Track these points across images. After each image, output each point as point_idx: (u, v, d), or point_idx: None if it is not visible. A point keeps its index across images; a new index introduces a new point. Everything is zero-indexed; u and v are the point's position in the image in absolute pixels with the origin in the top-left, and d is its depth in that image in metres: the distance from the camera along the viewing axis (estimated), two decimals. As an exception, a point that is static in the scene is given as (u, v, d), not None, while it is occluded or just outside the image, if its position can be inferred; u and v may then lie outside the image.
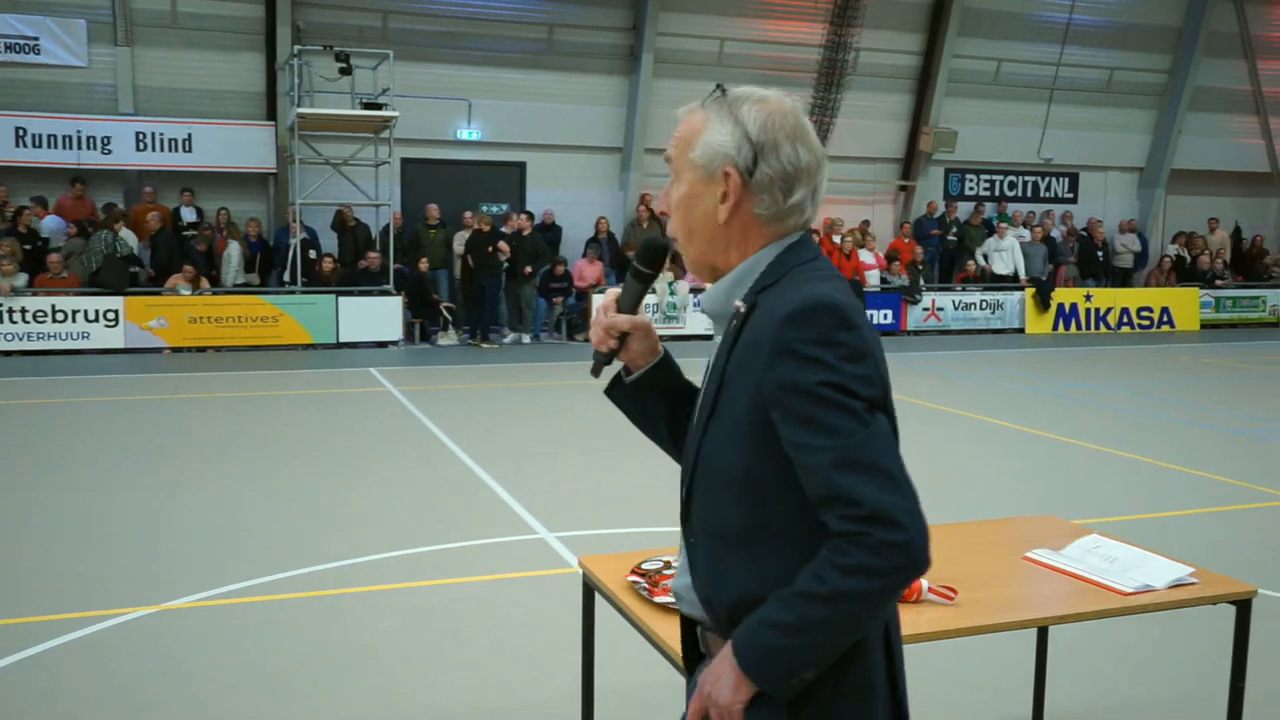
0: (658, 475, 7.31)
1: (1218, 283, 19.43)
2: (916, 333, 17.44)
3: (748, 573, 1.58)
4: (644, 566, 2.53)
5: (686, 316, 16.20)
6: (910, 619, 2.37)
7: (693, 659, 1.76)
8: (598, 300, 1.99)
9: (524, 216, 15.81)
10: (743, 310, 1.59)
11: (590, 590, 2.71)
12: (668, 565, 2.50)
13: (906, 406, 10.30)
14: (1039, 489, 7.11)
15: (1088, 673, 4.08)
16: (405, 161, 16.68)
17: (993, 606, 2.43)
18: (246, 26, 15.91)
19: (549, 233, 16.87)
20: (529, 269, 15.44)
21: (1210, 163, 21.62)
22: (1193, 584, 2.64)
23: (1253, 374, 13.33)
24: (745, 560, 1.58)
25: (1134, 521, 6.26)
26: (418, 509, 6.38)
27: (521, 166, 17.67)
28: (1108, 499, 6.82)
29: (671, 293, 16.06)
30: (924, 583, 2.43)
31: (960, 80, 19.42)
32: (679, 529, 1.73)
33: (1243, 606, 2.66)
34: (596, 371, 1.86)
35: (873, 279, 17.60)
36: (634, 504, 6.54)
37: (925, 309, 17.57)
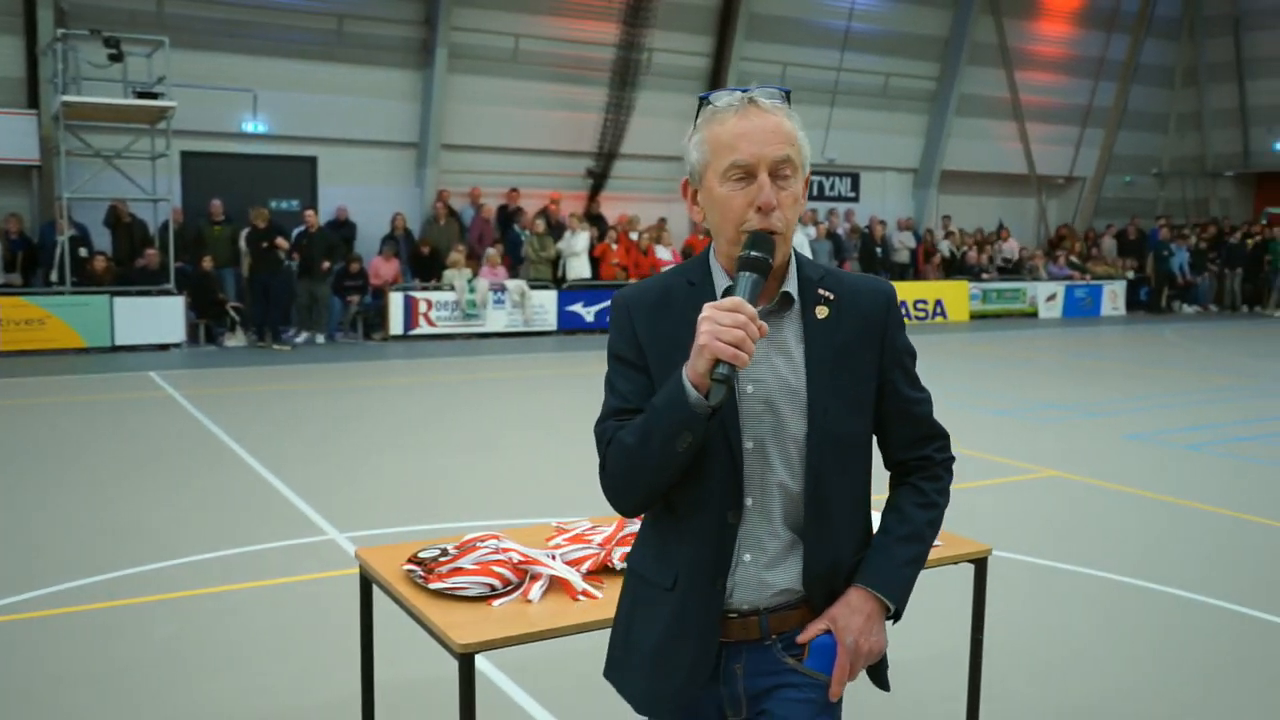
0: (453, 473, 7.30)
1: (983, 276, 20.90)
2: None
3: (866, 526, 1.88)
4: (420, 555, 2.53)
5: (487, 314, 16.12)
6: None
7: (705, 669, 1.80)
8: (715, 306, 1.53)
9: (310, 212, 15.31)
10: (831, 298, 1.80)
11: (368, 583, 2.69)
12: (444, 553, 2.51)
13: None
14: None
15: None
16: (186, 155, 15.87)
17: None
18: (3, 7, 14.74)
19: (343, 229, 16.42)
20: (326, 264, 15.00)
21: (976, 164, 23.23)
22: (937, 546, 2.86)
23: (1014, 360, 14.42)
24: (865, 515, 1.87)
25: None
26: (200, 516, 6.10)
27: (312, 161, 17.12)
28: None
29: (471, 290, 15.93)
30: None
31: (749, 82, 19.87)
32: (718, 521, 1.77)
33: (979, 565, 2.90)
34: (721, 396, 1.61)
35: (670, 275, 17.97)
36: (429, 502, 6.48)
37: (721, 303, 18.09)
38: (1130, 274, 22.34)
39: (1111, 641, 4.41)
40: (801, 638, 1.78)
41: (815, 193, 21.61)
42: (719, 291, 1.76)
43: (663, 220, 18.98)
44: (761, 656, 1.79)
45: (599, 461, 1.78)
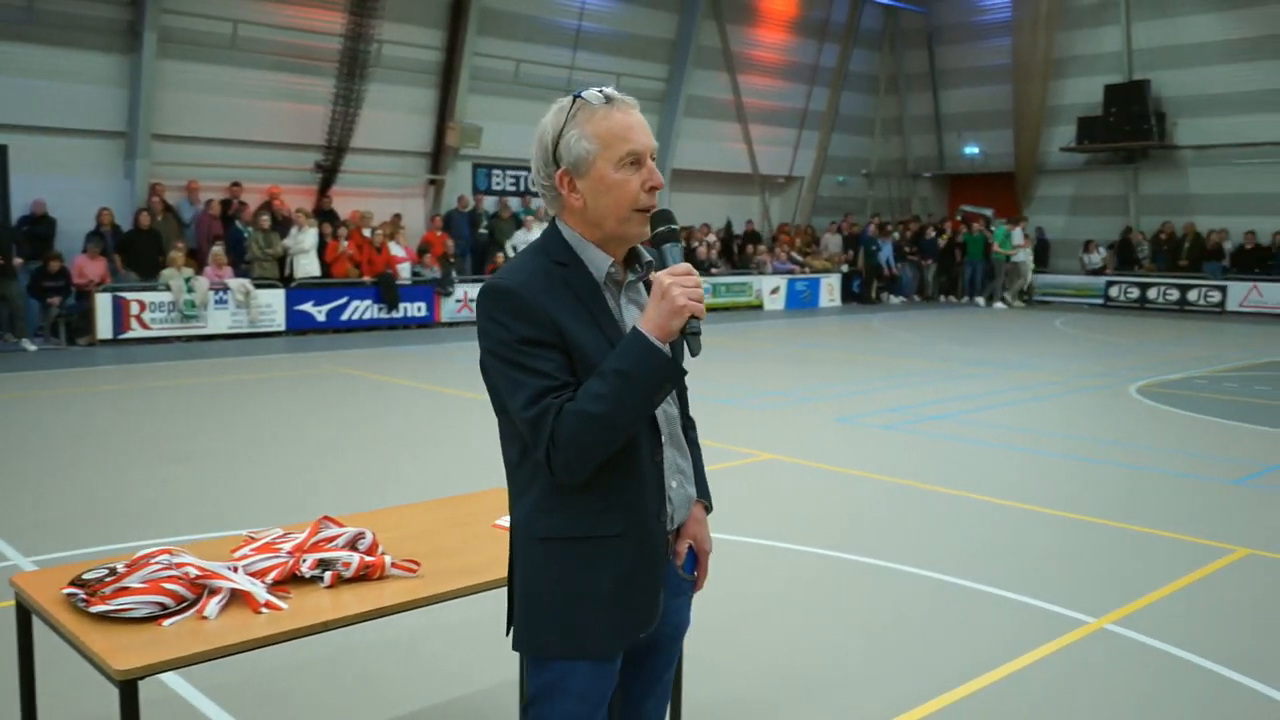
0: (159, 485, 6.85)
1: (712, 270, 21.80)
2: (451, 324, 17.76)
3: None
4: (84, 576, 2.37)
5: (208, 315, 15.23)
6: (375, 594, 2.46)
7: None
8: (672, 274, 1.84)
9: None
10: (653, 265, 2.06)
11: (26, 613, 2.49)
12: (112, 572, 2.36)
13: (442, 398, 10.49)
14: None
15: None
16: None
17: (453, 574, 2.58)
18: None
19: (40, 225, 15.03)
20: (19, 260, 13.69)
21: (704, 164, 24.18)
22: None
23: (737, 350, 15.14)
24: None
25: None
26: None
27: (2, 150, 15.55)
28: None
29: (190, 290, 15.00)
30: (387, 559, 2.52)
31: (483, 78, 20.01)
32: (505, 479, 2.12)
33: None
34: (698, 345, 1.91)
35: (404, 272, 17.66)
36: (131, 518, 6.07)
37: (458, 300, 17.95)
38: (845, 267, 23.95)
39: (805, 608, 4.74)
40: (680, 552, 2.18)
41: (552, 189, 21.76)
42: (593, 267, 1.99)
43: (397, 216, 18.58)
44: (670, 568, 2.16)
45: (544, 439, 1.87)
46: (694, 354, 1.92)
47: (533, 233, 19.36)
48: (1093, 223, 24.72)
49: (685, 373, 1.97)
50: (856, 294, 23.82)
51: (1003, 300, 23.30)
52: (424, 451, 7.97)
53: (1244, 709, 3.82)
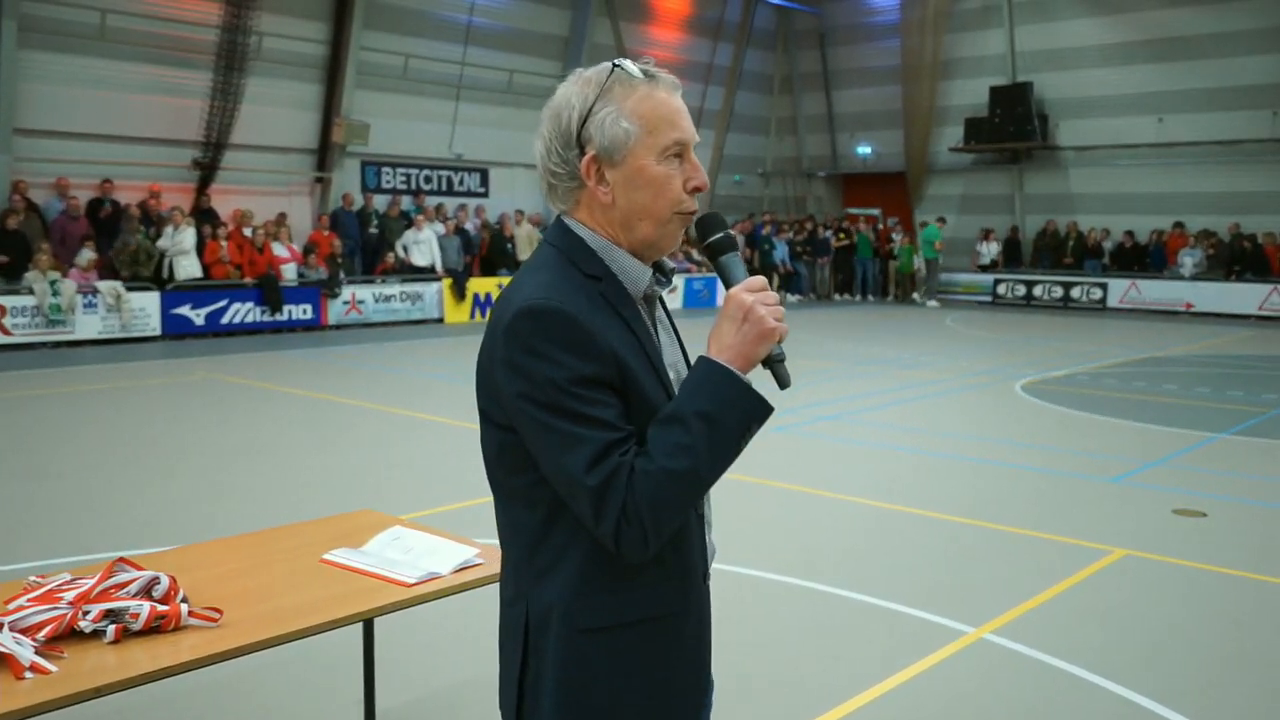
0: (2, 505, 6.36)
1: (611, 270, 21.62)
2: (338, 326, 17.23)
3: None
4: None
5: (76, 320, 14.45)
6: (168, 649, 2.18)
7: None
8: (750, 289, 1.48)
9: None
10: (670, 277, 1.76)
11: None
12: None
13: (325, 405, 10.06)
14: (420, 477, 7.28)
15: (423, 658, 4.20)
16: None
17: (260, 622, 2.31)
18: None
19: (-114, 225, 14.07)
20: None
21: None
22: (479, 564, 2.75)
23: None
24: None
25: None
26: None
27: None
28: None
29: (55, 293, 14.21)
30: (184, 608, 2.25)
31: (370, 73, 19.48)
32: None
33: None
34: (787, 374, 1.63)
35: (289, 273, 17.06)
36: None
37: (346, 302, 17.42)
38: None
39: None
40: None
41: (444, 188, 21.37)
42: (627, 280, 1.64)
43: (282, 215, 17.94)
44: None
45: (615, 510, 1.49)
46: (783, 386, 1.61)
47: (423, 232, 18.92)
48: (980, 221, 25.26)
49: (773, 410, 1.58)
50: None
51: (928, 297, 23.90)
52: (297, 464, 7.59)
53: None
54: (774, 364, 1.60)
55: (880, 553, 5.71)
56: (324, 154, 19.28)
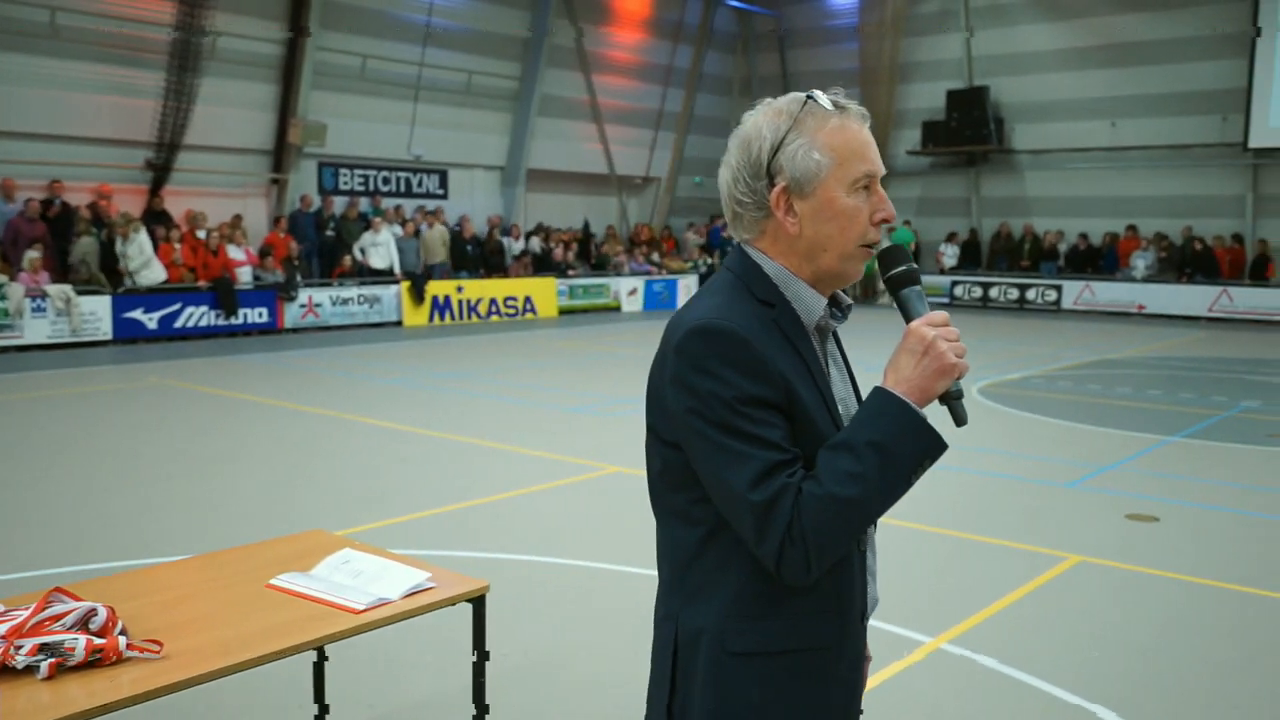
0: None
1: (570, 272, 21.56)
2: (295, 330, 17.03)
3: None
4: None
5: (25, 325, 14.16)
6: (105, 685, 2.11)
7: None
8: (932, 324, 1.53)
9: None
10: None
11: None
12: None
13: (282, 412, 9.91)
14: (380, 488, 7.20)
15: (376, 682, 4.14)
16: None
17: (203, 653, 2.25)
18: None
19: None
20: None
21: (560, 164, 23.91)
22: (430, 588, 2.71)
23: (595, 353, 14.95)
24: None
25: (487, 504, 6.59)
26: None
27: None
28: (441, 489, 7.11)
29: (3, 297, 13.92)
30: (122, 640, 2.18)
31: (327, 74, 19.28)
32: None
33: (478, 604, 2.78)
34: (964, 412, 1.62)
35: (244, 276, 16.84)
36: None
37: (302, 305, 17.22)
38: (703, 267, 24.04)
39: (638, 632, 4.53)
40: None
41: (403, 190, 21.20)
42: (802, 310, 1.66)
43: (237, 217, 17.71)
44: None
45: (780, 529, 1.50)
46: (960, 423, 1.59)
47: (380, 235, 18.76)
48: (938, 223, 25.48)
49: (947, 447, 1.57)
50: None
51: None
52: (250, 475, 7.47)
53: (1073, 730, 3.79)
54: (951, 400, 1.59)
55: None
56: (280, 155, 19.05)
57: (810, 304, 1.67)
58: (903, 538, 6.12)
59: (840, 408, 1.67)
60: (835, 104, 1.67)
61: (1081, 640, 4.61)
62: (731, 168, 1.69)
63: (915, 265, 1.69)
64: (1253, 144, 21.19)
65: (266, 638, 2.35)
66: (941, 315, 1.60)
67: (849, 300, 1.77)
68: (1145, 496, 7.09)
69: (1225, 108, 21.61)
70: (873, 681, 4.11)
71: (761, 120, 1.67)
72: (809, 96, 1.67)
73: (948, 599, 5.11)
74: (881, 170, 1.68)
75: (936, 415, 1.58)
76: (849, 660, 1.69)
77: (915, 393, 1.56)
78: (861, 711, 1.82)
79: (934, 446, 1.55)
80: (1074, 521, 6.54)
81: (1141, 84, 22.52)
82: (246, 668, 2.25)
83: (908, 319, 1.63)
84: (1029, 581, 5.37)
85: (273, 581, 2.68)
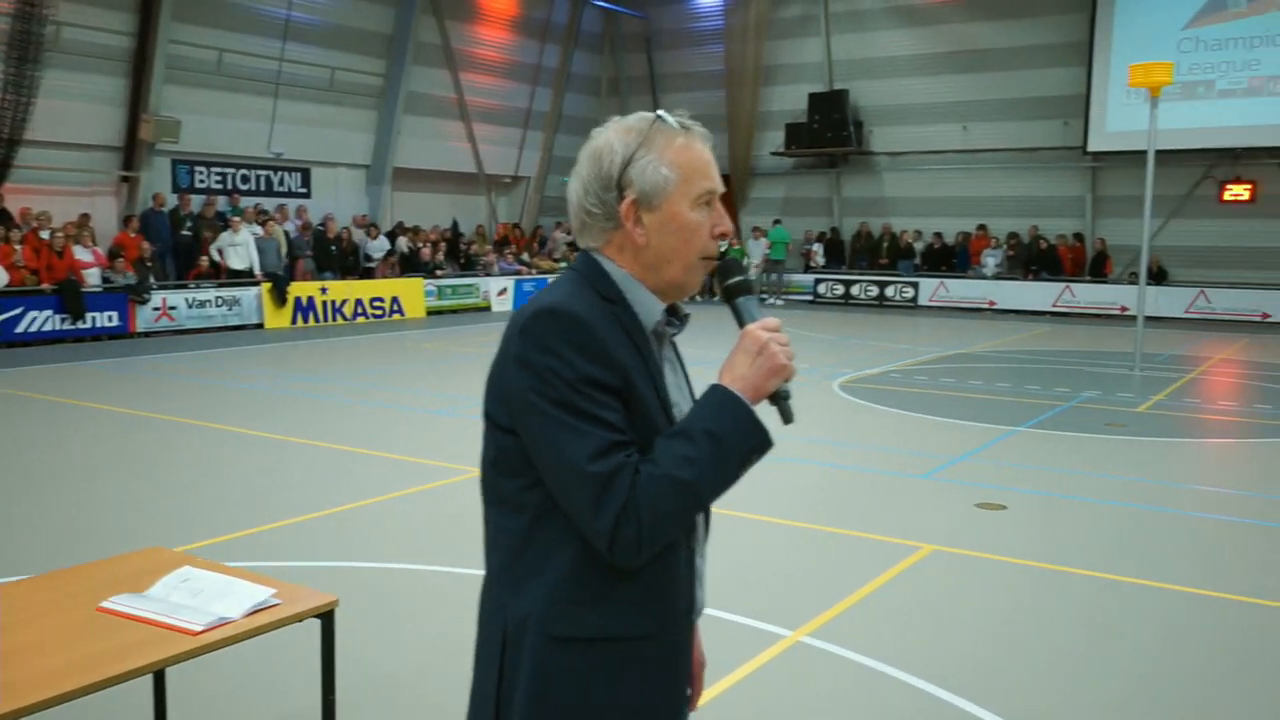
0: None
1: (438, 273, 21.28)
2: (148, 334, 16.34)
3: None
4: None
5: None
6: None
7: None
8: (766, 328, 1.60)
9: None
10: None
11: None
12: None
13: (131, 421, 9.49)
14: (232, 498, 6.98)
15: (220, 702, 4.02)
16: None
17: (24, 686, 2.13)
18: None
19: None
20: None
21: (428, 162, 23.57)
22: (275, 605, 2.64)
23: (462, 354, 14.78)
24: None
25: (343, 512, 6.44)
26: None
27: None
28: (295, 497, 6.93)
29: None
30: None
31: (181, 67, 18.56)
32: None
33: (327, 619, 2.72)
34: (791, 412, 1.69)
35: (93, 278, 16.07)
36: None
37: (156, 309, 16.54)
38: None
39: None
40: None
41: (264, 188, 20.57)
42: (642, 311, 1.71)
43: (85, 216, 16.90)
44: None
45: (616, 504, 1.54)
46: (787, 422, 1.68)
47: (240, 234, 18.15)
48: (802, 223, 26.08)
49: (773, 445, 1.65)
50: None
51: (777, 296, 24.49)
52: (95, 490, 7.13)
53: None
54: (780, 400, 1.68)
55: (702, 559, 5.79)
56: (131, 152, 18.25)
57: (650, 307, 1.73)
58: (761, 531, 6.24)
59: (675, 410, 1.73)
60: (681, 124, 1.74)
61: (937, 628, 4.79)
62: (582, 179, 1.75)
63: (750, 276, 1.81)
64: (1091, 147, 22.38)
65: (96, 665, 2.24)
66: (774, 321, 1.69)
67: (686, 311, 1.84)
68: (994, 486, 7.40)
69: (1067, 113, 22.75)
70: (734, 677, 4.19)
71: (613, 136, 1.74)
72: (657, 116, 1.74)
73: (806, 592, 5.24)
74: (721, 188, 1.78)
75: (766, 415, 1.63)
76: (672, 651, 1.74)
77: (749, 390, 1.64)
78: (694, 708, 1.90)
79: (763, 442, 1.64)
80: (928, 511, 6.79)
81: (991, 90, 23.52)
82: (74, 697, 2.14)
83: (742, 324, 1.72)
84: (885, 572, 5.55)
85: (104, 604, 2.56)
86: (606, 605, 1.66)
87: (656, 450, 1.59)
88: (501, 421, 1.68)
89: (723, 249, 1.77)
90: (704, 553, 1.86)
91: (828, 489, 7.42)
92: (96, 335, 15.75)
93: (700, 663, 2.00)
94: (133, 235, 17.06)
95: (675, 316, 1.81)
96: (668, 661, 1.73)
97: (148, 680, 2.99)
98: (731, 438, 1.60)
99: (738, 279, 1.76)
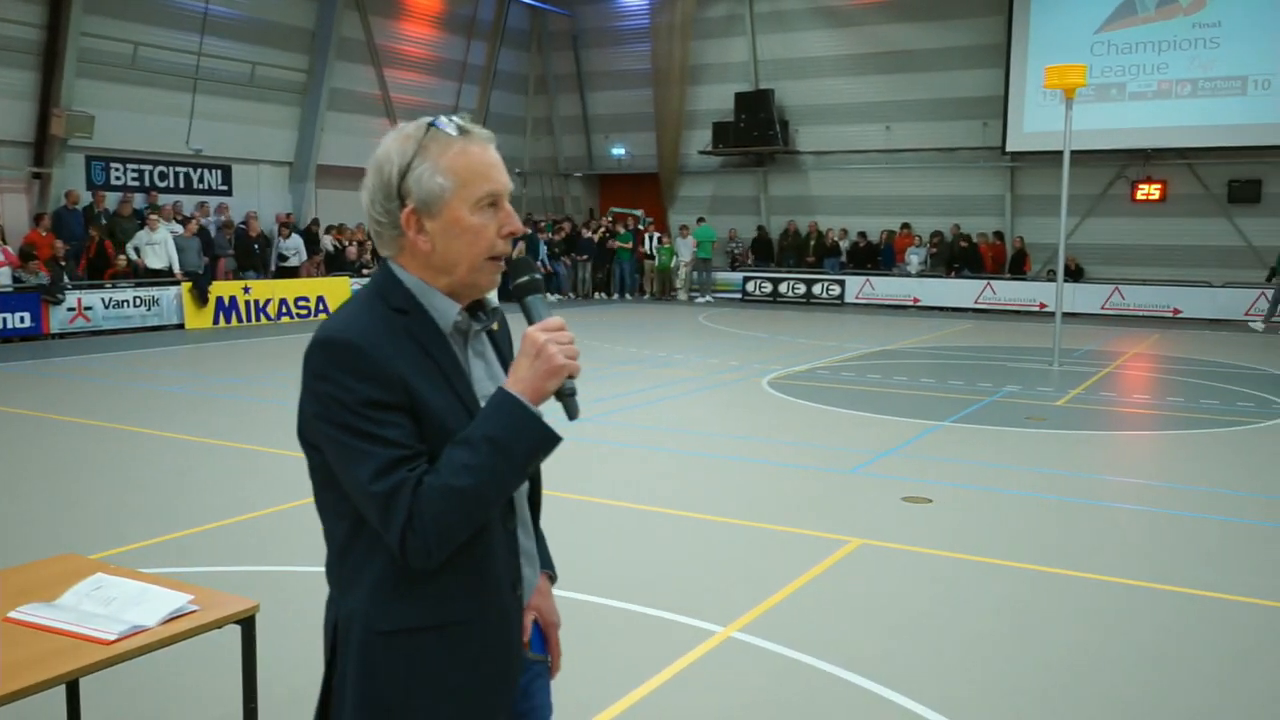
0: None
1: (364, 271, 20.97)
2: (62, 335, 15.84)
3: None
4: None
5: None
6: None
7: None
8: (546, 329, 1.67)
9: None
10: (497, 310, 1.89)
11: None
12: None
13: (42, 424, 9.17)
14: (150, 504, 6.79)
15: (139, 712, 3.91)
16: None
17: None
18: None
19: None
20: None
21: (352, 160, 23.19)
22: (193, 611, 2.56)
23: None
24: None
25: (265, 516, 6.30)
26: None
27: None
28: (217, 501, 6.77)
29: None
30: None
31: (94, 61, 18.02)
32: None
33: (247, 625, 2.65)
34: (576, 407, 1.77)
35: (3, 278, 15.53)
36: None
37: (71, 309, 16.04)
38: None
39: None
40: (525, 628, 1.93)
41: (182, 186, 20.08)
42: (438, 315, 1.75)
43: (-7, 214, 16.34)
44: None
45: (399, 519, 1.61)
46: (571, 418, 1.75)
47: (157, 232, 17.69)
48: (730, 221, 26.26)
49: (560, 440, 1.70)
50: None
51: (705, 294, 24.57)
52: (2, 497, 6.88)
53: (866, 715, 3.96)
54: (564, 397, 1.73)
55: (629, 556, 5.79)
56: (42, 148, 17.69)
57: (444, 310, 1.77)
58: (692, 528, 6.26)
59: (484, 404, 1.76)
60: (460, 128, 1.75)
61: (866, 622, 4.84)
62: (369, 190, 1.76)
63: (540, 275, 1.84)
64: (1010, 148, 22.90)
65: (4, 676, 2.15)
66: (557, 321, 1.73)
67: (494, 304, 1.89)
68: (920, 479, 7.52)
69: (986, 114, 23.23)
70: (665, 674, 4.19)
71: (391, 146, 1.75)
72: (431, 123, 1.75)
73: (737, 588, 5.26)
74: (507, 188, 1.79)
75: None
76: (496, 629, 1.81)
77: (530, 391, 1.68)
78: (556, 672, 2.10)
79: (546, 439, 1.69)
80: (855, 506, 6.87)
81: (913, 90, 23.92)
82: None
83: (530, 324, 1.75)
84: (814, 566, 5.59)
85: (12, 614, 2.46)
86: (426, 597, 1.73)
87: (441, 458, 1.65)
88: (310, 438, 1.75)
89: (519, 247, 1.80)
90: (529, 530, 1.95)
91: (757, 485, 7.47)
92: (8, 337, 15.23)
93: (553, 624, 2.09)
94: (44, 234, 16.53)
95: (482, 310, 1.85)
96: (495, 640, 1.81)
97: (61, 692, 2.88)
98: (510, 441, 1.65)
99: (526, 278, 1.80)
